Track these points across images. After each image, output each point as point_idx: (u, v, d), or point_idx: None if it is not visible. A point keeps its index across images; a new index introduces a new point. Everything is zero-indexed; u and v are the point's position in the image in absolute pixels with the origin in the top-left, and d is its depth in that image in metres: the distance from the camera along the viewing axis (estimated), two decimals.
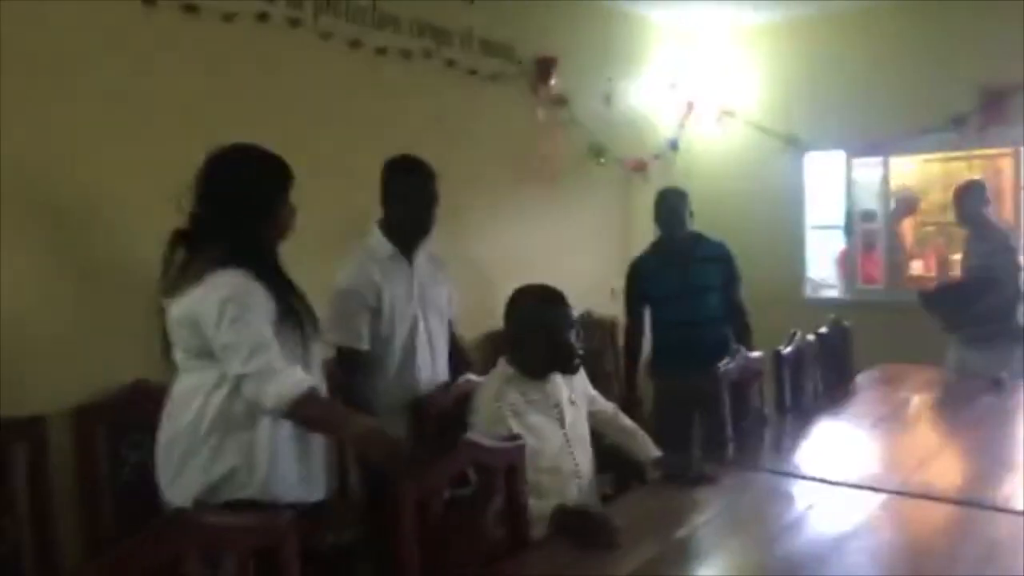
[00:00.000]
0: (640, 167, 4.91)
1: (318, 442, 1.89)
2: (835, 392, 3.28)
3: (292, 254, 1.94)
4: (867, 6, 4.66)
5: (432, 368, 2.49)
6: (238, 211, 1.83)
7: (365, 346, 2.37)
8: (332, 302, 2.34)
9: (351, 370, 2.36)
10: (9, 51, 2.20)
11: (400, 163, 2.46)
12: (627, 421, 2.45)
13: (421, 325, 2.46)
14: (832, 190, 5.17)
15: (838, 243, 5.25)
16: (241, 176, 1.86)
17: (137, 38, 2.50)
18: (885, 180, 4.96)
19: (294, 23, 2.94)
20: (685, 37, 5.17)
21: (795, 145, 5.04)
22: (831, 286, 5.45)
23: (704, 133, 5.32)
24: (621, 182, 4.78)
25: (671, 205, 3.40)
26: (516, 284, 2.31)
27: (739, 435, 2.66)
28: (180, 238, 1.85)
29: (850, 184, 5.05)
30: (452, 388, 2.43)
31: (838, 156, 5.04)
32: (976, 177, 4.25)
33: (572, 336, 2.23)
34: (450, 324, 2.63)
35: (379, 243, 2.44)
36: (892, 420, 2.94)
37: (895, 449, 2.65)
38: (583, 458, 2.25)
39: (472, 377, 2.49)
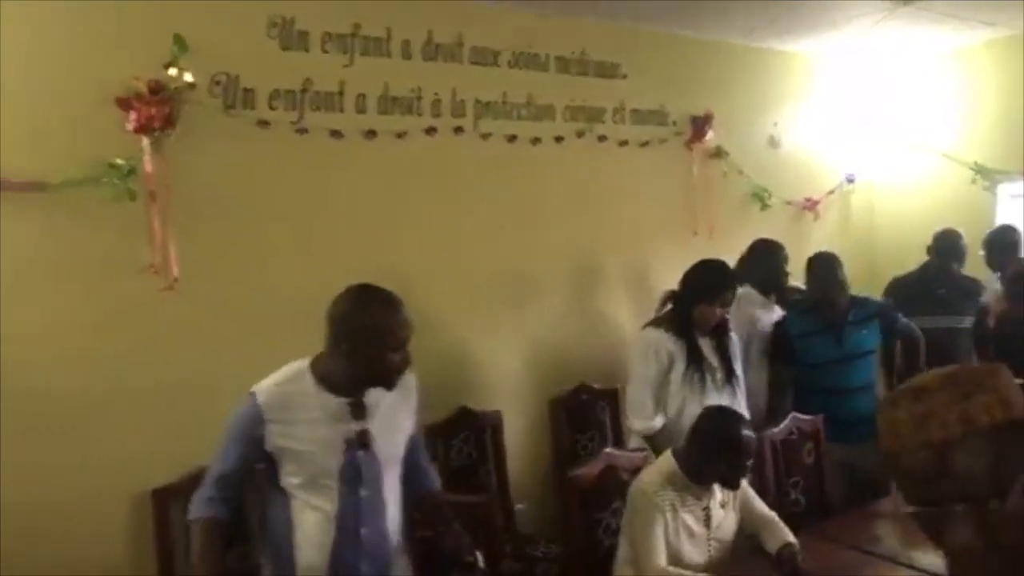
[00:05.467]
0: (811, 207, 4.95)
1: None
2: None
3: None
4: None
5: None
6: (687, 297, 3.00)
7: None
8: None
9: None
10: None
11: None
12: (765, 510, 2.56)
13: None
14: None
15: None
16: (697, 276, 3.02)
17: (324, 163, 3.14)
18: None
19: (457, 131, 3.47)
20: (858, 68, 5.10)
21: (985, 175, 4.80)
22: None
23: (884, 165, 5.21)
24: (789, 224, 4.84)
25: (826, 269, 3.35)
26: None
27: None
28: (669, 296, 3.07)
29: None
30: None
31: None
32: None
33: (748, 460, 2.38)
34: None
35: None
36: None
37: None
38: (719, 554, 2.45)
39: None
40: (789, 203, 4.84)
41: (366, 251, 3.18)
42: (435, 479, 2.29)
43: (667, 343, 2.97)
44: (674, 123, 4.28)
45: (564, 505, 2.73)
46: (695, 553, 2.39)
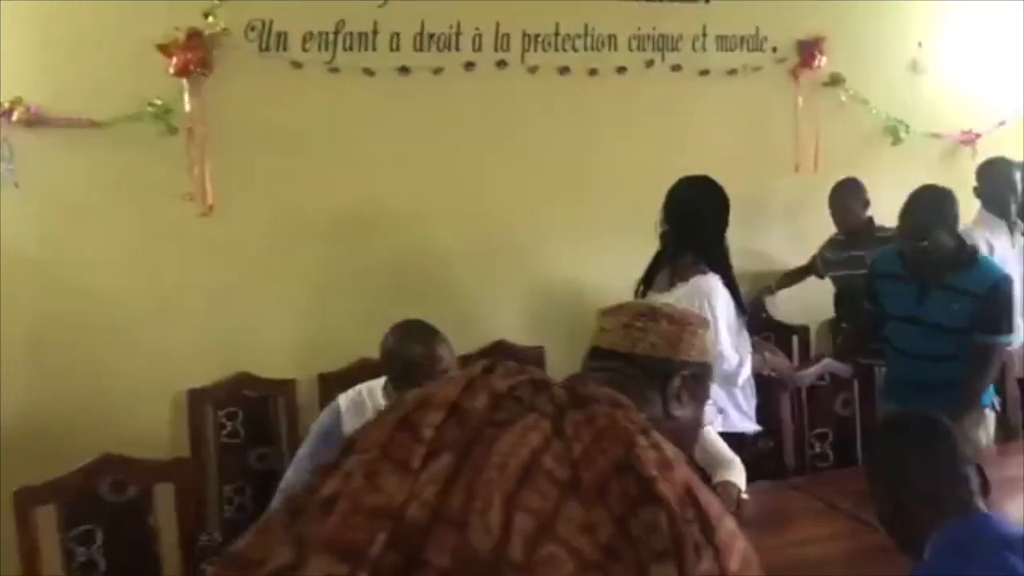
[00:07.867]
0: (969, 140, 4.22)
1: None
2: None
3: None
4: None
5: None
6: (702, 230, 2.54)
7: None
8: None
9: None
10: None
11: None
12: (721, 450, 2.30)
13: None
14: None
15: None
16: (697, 203, 2.58)
17: (355, 101, 3.29)
18: None
19: (500, 65, 3.46)
20: None
21: None
22: None
23: None
24: (936, 162, 4.18)
25: (916, 207, 2.68)
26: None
27: None
28: (658, 255, 2.66)
29: None
30: None
31: None
32: None
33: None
34: None
35: None
36: None
37: None
38: None
39: None
40: (938, 136, 4.17)
41: (392, 184, 3.32)
42: None
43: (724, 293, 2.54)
44: (774, 49, 3.88)
45: None
46: None
